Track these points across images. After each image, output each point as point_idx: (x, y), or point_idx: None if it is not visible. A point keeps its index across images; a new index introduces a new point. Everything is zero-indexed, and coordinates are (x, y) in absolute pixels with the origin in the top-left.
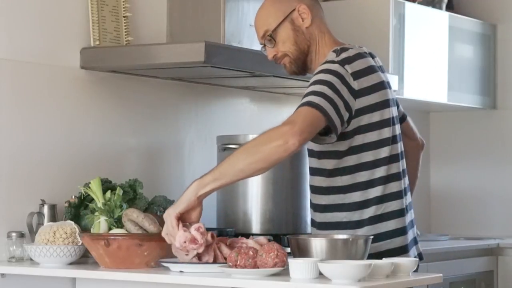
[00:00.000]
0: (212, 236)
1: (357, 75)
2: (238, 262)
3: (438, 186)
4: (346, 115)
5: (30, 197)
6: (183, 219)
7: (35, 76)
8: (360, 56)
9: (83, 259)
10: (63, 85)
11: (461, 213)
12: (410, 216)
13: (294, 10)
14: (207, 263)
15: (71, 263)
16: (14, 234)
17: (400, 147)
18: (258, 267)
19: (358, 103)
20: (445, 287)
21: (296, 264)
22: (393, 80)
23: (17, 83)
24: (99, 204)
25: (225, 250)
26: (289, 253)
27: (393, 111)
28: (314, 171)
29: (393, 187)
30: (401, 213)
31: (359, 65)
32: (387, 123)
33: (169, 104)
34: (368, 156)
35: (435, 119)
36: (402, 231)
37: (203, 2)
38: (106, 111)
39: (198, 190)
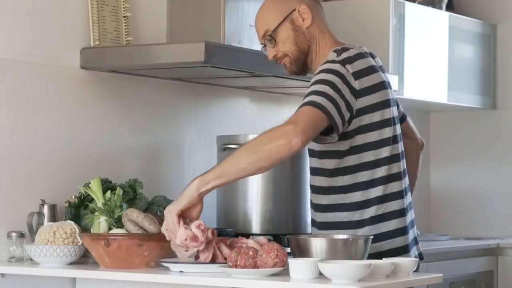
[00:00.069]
0: (213, 233)
1: (358, 75)
2: (238, 262)
3: (438, 186)
4: (347, 115)
5: (30, 197)
6: (184, 216)
7: (35, 76)
8: (360, 56)
9: (83, 259)
10: (63, 85)
11: (461, 213)
12: (410, 216)
13: (294, 10)
14: (206, 263)
15: (71, 263)
16: (14, 234)
17: (400, 147)
18: (258, 267)
19: (359, 103)
20: (445, 287)
21: (296, 264)
22: (393, 80)
23: (17, 83)
24: (99, 204)
25: (225, 250)
26: (289, 253)
27: (393, 111)
28: (314, 171)
29: (394, 187)
30: (402, 213)
31: (360, 65)
32: (388, 123)
33: (169, 104)
34: (369, 156)
35: (435, 119)
36: (403, 231)
37: (203, 2)
38: (106, 111)
39: (200, 187)
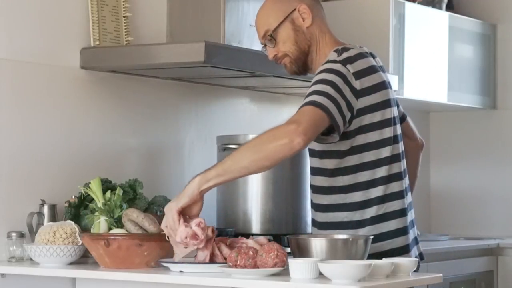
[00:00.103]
0: (213, 231)
1: (358, 75)
2: (238, 262)
3: (438, 186)
4: (348, 115)
5: (30, 197)
6: (184, 213)
7: (35, 76)
8: (361, 56)
9: (83, 259)
10: (63, 85)
11: (461, 213)
12: (410, 216)
13: (294, 10)
14: (206, 263)
15: (71, 263)
16: (14, 234)
17: (401, 147)
18: (258, 267)
19: (359, 103)
20: (445, 287)
21: (296, 264)
22: (393, 80)
23: (17, 83)
24: (99, 204)
25: (225, 250)
26: (289, 253)
27: (394, 111)
28: (315, 171)
29: (394, 187)
30: (402, 213)
31: (360, 65)
32: (388, 123)
33: (169, 104)
34: (369, 156)
35: (435, 119)
36: (403, 231)
37: (203, 2)
38: (106, 111)
39: (201, 185)
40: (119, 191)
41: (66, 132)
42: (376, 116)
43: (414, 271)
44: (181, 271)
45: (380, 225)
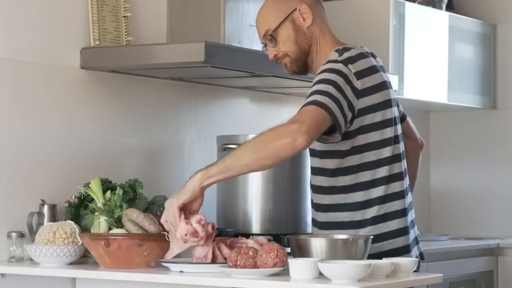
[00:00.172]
0: (213, 227)
1: (360, 74)
2: (238, 262)
3: (438, 186)
4: (349, 115)
5: (30, 197)
6: (184, 208)
7: (35, 76)
8: (362, 56)
9: (83, 259)
10: (63, 85)
11: (461, 213)
12: (411, 216)
13: (295, 10)
14: (206, 263)
15: (71, 263)
16: (14, 234)
17: (401, 147)
18: (258, 267)
19: (361, 103)
20: (445, 287)
21: (296, 264)
22: (393, 80)
23: (17, 83)
24: (99, 204)
25: (225, 250)
26: (289, 253)
27: (395, 111)
28: (316, 171)
29: (395, 187)
30: (403, 213)
31: (361, 64)
32: (389, 123)
33: (169, 104)
34: (370, 156)
35: (435, 119)
36: (404, 231)
37: (203, 2)
38: (106, 111)
39: (203, 181)
40: (119, 191)
41: (66, 132)
42: (377, 116)
43: (415, 271)
44: (181, 271)
45: (381, 225)
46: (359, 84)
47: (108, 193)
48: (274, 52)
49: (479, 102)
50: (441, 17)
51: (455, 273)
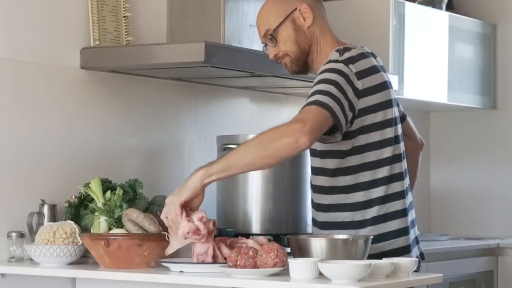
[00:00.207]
0: (214, 224)
1: (360, 75)
2: (238, 262)
3: (438, 186)
4: (350, 115)
5: (30, 197)
6: (185, 205)
7: (35, 76)
8: (363, 56)
9: (83, 259)
10: (63, 85)
11: (461, 213)
12: (411, 216)
13: (295, 9)
14: (206, 263)
15: (71, 263)
16: (14, 234)
17: (402, 147)
18: (258, 267)
19: (361, 103)
20: (445, 287)
21: (296, 264)
22: (393, 80)
23: (17, 83)
24: (99, 204)
25: (225, 250)
26: (289, 253)
27: (395, 111)
28: (316, 171)
29: (395, 187)
30: (403, 213)
31: (362, 65)
32: (389, 123)
33: (169, 104)
34: (371, 156)
35: (435, 119)
36: (404, 231)
37: (203, 2)
38: (106, 111)
39: (204, 179)
40: (119, 191)
41: (66, 132)
42: (378, 116)
43: (415, 271)
44: (181, 271)
45: (381, 225)
46: (360, 84)
47: (108, 193)
48: (275, 51)
49: (479, 102)
50: (441, 17)
51: (455, 273)
